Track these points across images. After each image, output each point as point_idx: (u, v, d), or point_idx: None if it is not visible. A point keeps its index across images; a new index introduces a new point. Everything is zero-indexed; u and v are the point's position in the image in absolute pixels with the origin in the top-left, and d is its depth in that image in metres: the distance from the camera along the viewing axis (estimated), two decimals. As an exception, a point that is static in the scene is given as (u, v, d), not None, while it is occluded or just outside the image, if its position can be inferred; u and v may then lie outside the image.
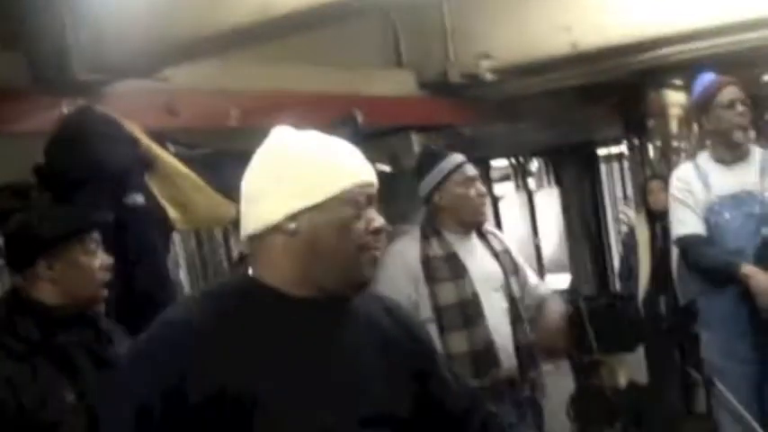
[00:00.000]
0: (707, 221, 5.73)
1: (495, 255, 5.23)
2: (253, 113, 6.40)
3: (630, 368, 9.54)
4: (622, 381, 9.48)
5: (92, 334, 3.87)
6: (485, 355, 4.97)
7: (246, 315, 2.42)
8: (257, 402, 2.33)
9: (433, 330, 4.91)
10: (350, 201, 2.47)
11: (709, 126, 5.80)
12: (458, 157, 5.23)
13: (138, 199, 5.11)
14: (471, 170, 5.22)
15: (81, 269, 3.85)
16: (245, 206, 2.53)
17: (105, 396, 2.56)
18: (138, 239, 5.01)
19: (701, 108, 5.82)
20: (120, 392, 2.41)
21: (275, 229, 2.45)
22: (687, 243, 5.86)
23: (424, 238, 5.14)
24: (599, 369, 9.21)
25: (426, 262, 5.06)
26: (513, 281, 5.20)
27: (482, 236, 5.28)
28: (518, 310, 5.15)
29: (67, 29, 5.22)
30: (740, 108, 5.68)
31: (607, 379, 9.33)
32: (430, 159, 5.30)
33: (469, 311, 4.99)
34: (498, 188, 13.57)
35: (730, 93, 5.71)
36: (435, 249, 5.08)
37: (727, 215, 5.69)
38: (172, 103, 5.93)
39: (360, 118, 6.62)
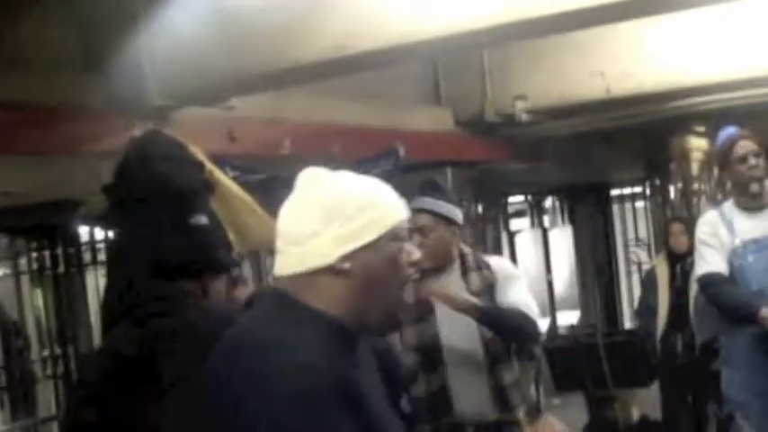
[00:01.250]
0: (731, 264, 5.95)
1: (473, 294, 5.10)
2: (303, 143, 6.69)
3: (644, 403, 9.75)
4: (635, 415, 9.69)
5: None
6: (439, 399, 5.02)
7: (337, 349, 2.46)
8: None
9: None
10: (396, 236, 2.51)
11: (729, 178, 6.10)
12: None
13: (203, 220, 5.30)
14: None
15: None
16: (287, 246, 2.51)
17: None
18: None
19: (721, 163, 6.10)
20: None
21: (329, 269, 2.46)
22: (709, 280, 6.07)
23: None
24: (613, 403, 9.45)
25: None
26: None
27: (465, 273, 5.19)
28: (493, 353, 5.07)
29: (145, 56, 5.53)
30: (753, 161, 5.94)
31: (620, 413, 9.56)
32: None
33: (428, 355, 5.02)
34: (514, 224, 13.84)
35: (743, 147, 5.95)
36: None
37: (750, 258, 5.93)
38: (232, 129, 6.24)
39: (401, 151, 6.88)
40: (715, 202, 6.50)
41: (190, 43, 5.39)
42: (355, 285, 2.47)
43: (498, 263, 5.34)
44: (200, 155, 5.49)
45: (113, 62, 5.44)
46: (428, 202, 5.12)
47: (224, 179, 5.70)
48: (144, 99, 5.57)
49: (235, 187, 5.75)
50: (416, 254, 2.57)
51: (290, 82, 5.72)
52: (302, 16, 4.98)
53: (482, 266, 5.20)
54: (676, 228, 8.78)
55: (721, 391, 6.26)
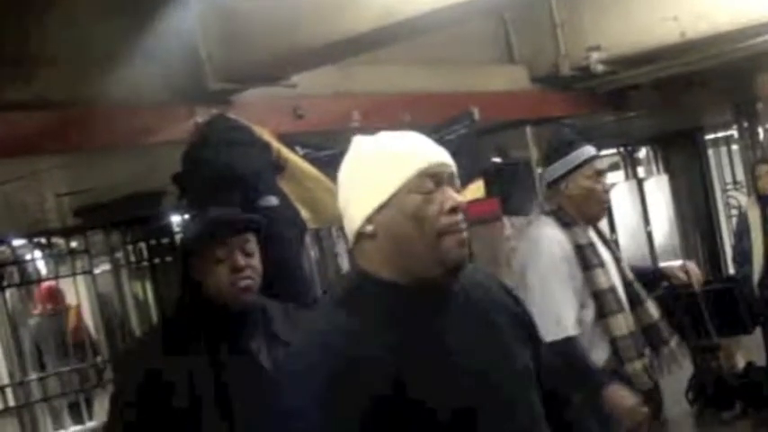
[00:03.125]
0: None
1: (607, 243, 5.25)
2: (373, 114, 6.63)
3: (748, 350, 9.58)
4: (740, 363, 9.53)
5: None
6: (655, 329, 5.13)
7: (379, 312, 2.47)
8: (409, 388, 2.41)
9: (589, 315, 5.02)
10: (415, 188, 2.46)
11: None
12: (590, 149, 5.16)
13: (272, 200, 5.28)
14: (602, 164, 5.22)
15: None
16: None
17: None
18: (274, 239, 5.17)
19: None
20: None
21: (360, 235, 2.50)
22: None
23: (566, 225, 5.09)
24: (717, 352, 9.29)
25: (578, 249, 5.02)
26: (624, 266, 5.22)
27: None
28: (635, 293, 5.15)
29: (200, 42, 5.51)
30: None
31: (725, 362, 9.40)
32: (563, 146, 5.21)
33: (617, 296, 5.04)
34: (608, 177, 13.63)
35: None
36: (580, 237, 5.06)
37: None
38: (298, 107, 6.20)
39: (476, 114, 6.79)
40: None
41: (240, 24, 5.37)
42: (385, 246, 2.48)
43: None
44: (266, 136, 5.49)
45: (167, 51, 5.42)
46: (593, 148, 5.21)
47: (294, 158, 5.69)
48: (202, 84, 5.54)
49: (305, 165, 5.73)
50: (452, 201, 2.49)
51: (345, 54, 5.65)
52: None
53: None
54: (763, 169, 8.57)
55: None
